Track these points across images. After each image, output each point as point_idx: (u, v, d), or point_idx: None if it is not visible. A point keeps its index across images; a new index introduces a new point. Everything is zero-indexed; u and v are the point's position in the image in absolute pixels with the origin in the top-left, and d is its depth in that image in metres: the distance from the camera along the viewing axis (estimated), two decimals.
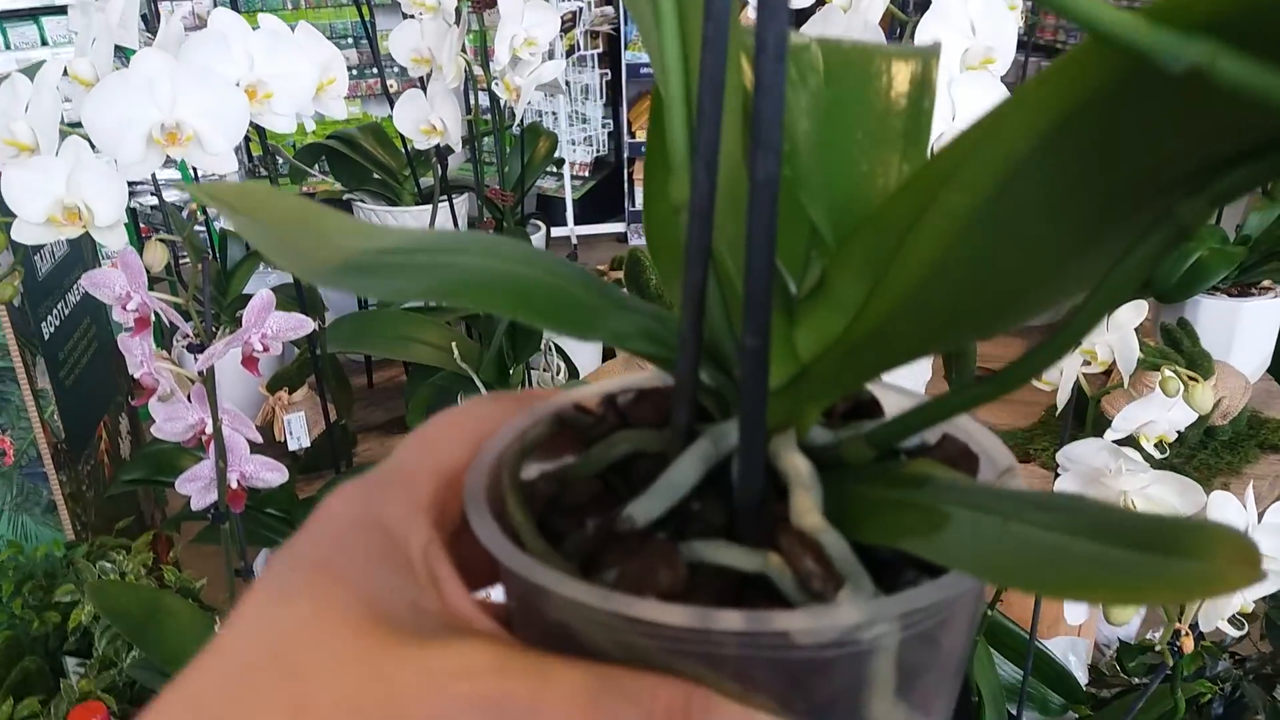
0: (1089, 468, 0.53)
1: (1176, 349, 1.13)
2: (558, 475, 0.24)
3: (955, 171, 0.18)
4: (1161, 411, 0.60)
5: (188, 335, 0.70)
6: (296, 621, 0.20)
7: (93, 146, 0.68)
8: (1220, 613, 0.47)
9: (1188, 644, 0.48)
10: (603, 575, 0.21)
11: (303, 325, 0.71)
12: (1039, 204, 0.17)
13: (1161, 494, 0.49)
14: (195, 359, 0.70)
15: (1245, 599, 0.47)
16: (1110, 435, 0.62)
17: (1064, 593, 0.18)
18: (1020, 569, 0.19)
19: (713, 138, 0.19)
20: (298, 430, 1.22)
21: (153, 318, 0.69)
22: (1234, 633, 0.48)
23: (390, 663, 0.19)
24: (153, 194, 1.38)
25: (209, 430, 0.74)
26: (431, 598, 0.22)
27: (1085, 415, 1.29)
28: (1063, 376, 0.66)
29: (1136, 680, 0.95)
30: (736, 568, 0.20)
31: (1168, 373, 0.57)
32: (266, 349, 0.70)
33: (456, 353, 0.95)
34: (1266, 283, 1.26)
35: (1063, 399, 0.66)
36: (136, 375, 0.71)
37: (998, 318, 0.21)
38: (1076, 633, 1.31)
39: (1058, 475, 0.86)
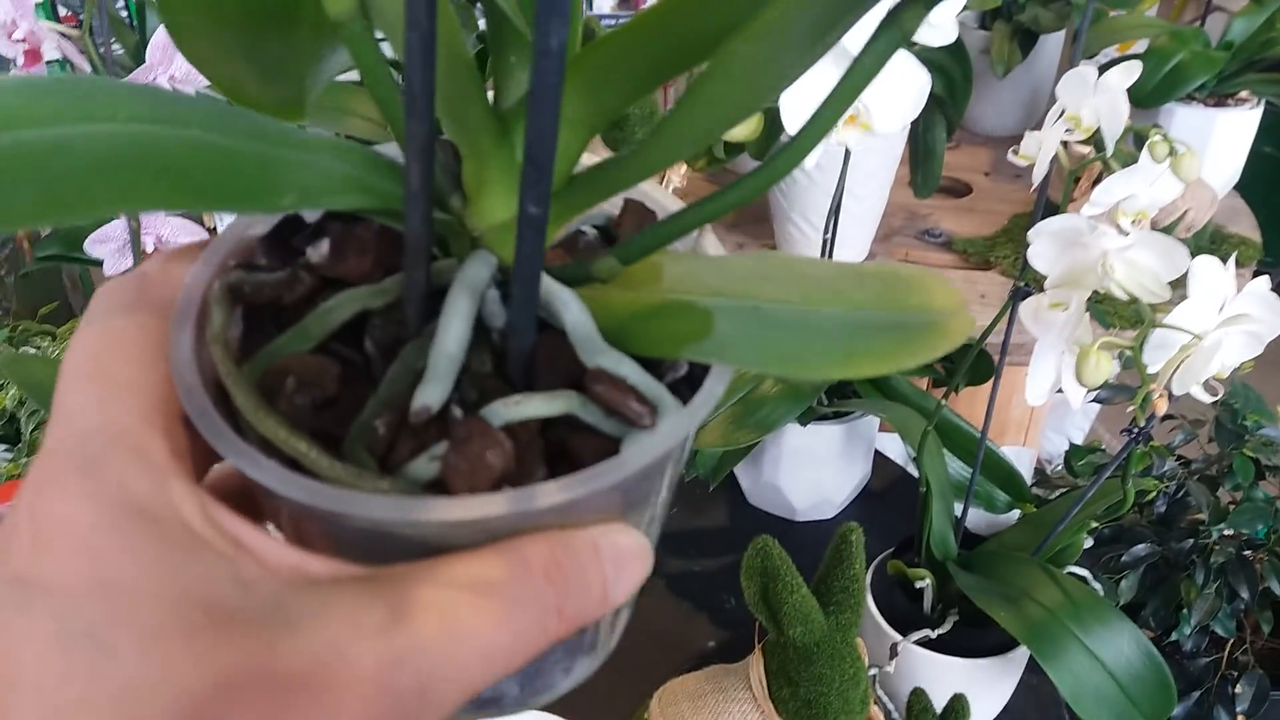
0: (1067, 230, 0.49)
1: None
2: (280, 370, 0.20)
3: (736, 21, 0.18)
4: (1144, 184, 0.56)
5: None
6: (139, 661, 0.16)
7: None
8: (1196, 376, 0.44)
9: (1161, 405, 0.46)
10: (407, 470, 0.19)
11: None
12: (806, 35, 0.18)
13: (1143, 256, 0.46)
14: None
15: (1223, 363, 0.45)
16: (1088, 210, 0.58)
17: (832, 371, 0.20)
18: (793, 357, 0.20)
19: None
20: (227, 215, 1.15)
21: (46, 53, 0.61)
22: (1207, 399, 0.46)
23: (282, 664, 0.16)
24: None
25: None
26: (249, 566, 0.18)
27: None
28: (1041, 149, 0.61)
29: (1082, 483, 0.95)
30: (541, 416, 0.20)
31: (1156, 137, 0.53)
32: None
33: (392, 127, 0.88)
34: (1244, 94, 1.22)
35: (1040, 171, 0.62)
36: None
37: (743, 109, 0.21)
38: (1021, 443, 1.32)
39: (1015, 285, 0.83)
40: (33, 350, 1.13)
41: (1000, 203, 1.26)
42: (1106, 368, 0.45)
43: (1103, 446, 0.92)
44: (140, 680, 0.16)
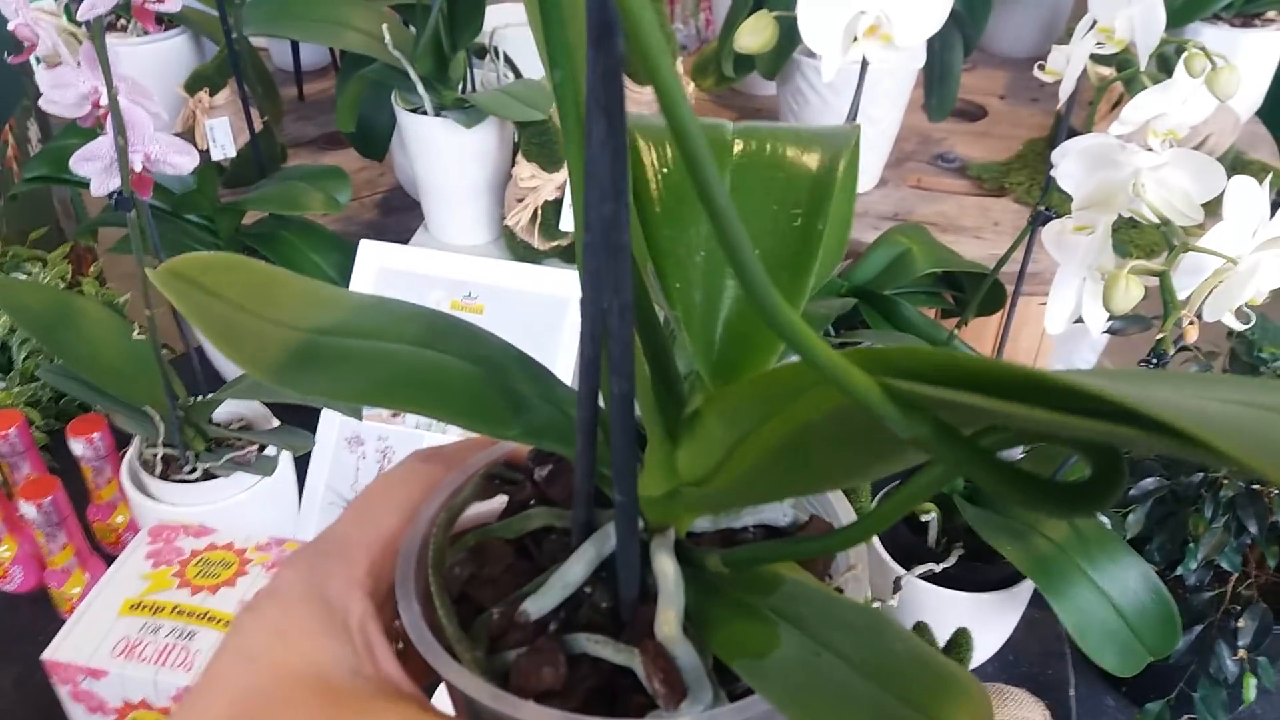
0: (1097, 149, 0.46)
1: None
2: (477, 547, 0.28)
3: (792, 397, 0.20)
4: (1177, 101, 0.54)
5: None
6: (262, 681, 0.24)
7: None
8: (1230, 302, 0.42)
9: (1191, 333, 0.44)
10: (504, 654, 0.25)
11: None
12: (829, 439, 0.20)
13: (1177, 176, 0.44)
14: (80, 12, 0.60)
15: (1258, 289, 0.43)
16: (1116, 129, 0.55)
17: None
18: (814, 709, 0.22)
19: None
20: (221, 137, 1.12)
21: None
22: (1239, 326, 0.44)
23: None
24: None
25: (104, 102, 0.65)
26: (367, 664, 0.25)
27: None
28: (1070, 63, 0.59)
29: None
30: (608, 660, 0.24)
31: (1194, 49, 0.51)
32: None
33: (389, 39, 0.84)
34: (1271, 14, 1.18)
35: (1067, 87, 0.59)
36: (12, 27, 0.61)
37: (817, 490, 0.28)
38: None
39: (1036, 209, 0.80)
40: (23, 276, 1.10)
41: (1016, 127, 1.23)
42: (1137, 292, 0.43)
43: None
44: (254, 692, 0.24)
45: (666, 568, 0.25)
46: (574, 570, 0.26)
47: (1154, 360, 0.60)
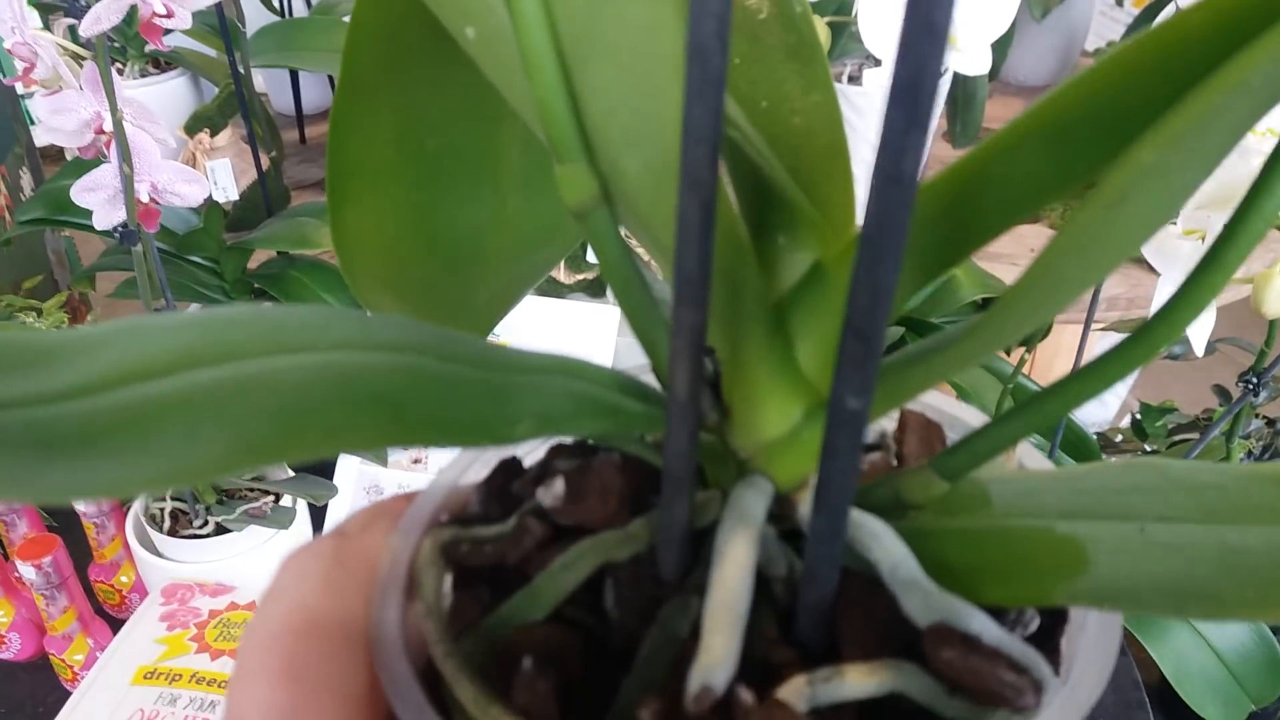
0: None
1: None
2: (517, 653, 0.17)
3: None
4: None
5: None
6: None
7: None
8: None
9: None
10: None
11: None
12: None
13: None
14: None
15: None
16: None
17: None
18: (1217, 594, 0.15)
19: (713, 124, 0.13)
20: (223, 179, 1.08)
21: None
22: None
23: None
24: None
25: (108, 127, 0.61)
26: None
27: None
28: None
29: (1148, 447, 0.89)
30: (861, 698, 0.16)
31: None
32: (170, 13, 0.56)
33: None
34: None
35: None
36: (9, 46, 0.57)
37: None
38: None
39: None
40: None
41: None
42: None
43: (1176, 405, 0.86)
44: None
45: (868, 522, 0.17)
46: (732, 588, 0.16)
47: (1253, 381, 0.56)
